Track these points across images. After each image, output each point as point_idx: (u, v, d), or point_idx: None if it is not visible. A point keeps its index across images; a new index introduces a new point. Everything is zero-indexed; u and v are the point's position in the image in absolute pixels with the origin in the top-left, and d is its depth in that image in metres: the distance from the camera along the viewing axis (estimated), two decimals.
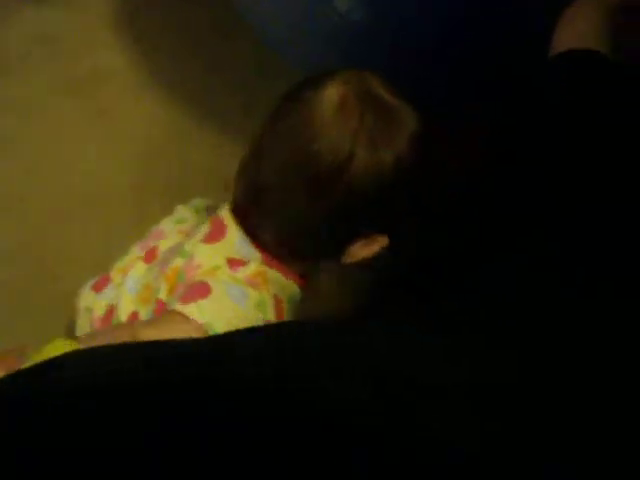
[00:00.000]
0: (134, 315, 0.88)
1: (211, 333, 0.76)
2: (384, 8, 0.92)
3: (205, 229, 0.87)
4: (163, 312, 0.83)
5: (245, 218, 0.84)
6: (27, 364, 0.68)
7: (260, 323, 0.79)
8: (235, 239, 0.84)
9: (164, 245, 0.91)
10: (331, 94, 0.78)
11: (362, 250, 0.83)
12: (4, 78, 1.36)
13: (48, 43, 1.40)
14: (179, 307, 0.79)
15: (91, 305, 0.93)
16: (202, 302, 0.79)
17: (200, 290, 0.80)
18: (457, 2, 0.89)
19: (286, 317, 0.85)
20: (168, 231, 0.94)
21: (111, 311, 0.90)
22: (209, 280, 0.81)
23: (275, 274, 0.84)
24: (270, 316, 0.82)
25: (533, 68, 0.82)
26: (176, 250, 0.87)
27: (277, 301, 0.83)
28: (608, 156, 0.71)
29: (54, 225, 1.20)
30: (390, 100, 0.79)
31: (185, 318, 0.77)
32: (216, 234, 0.86)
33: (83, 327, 0.94)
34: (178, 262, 0.85)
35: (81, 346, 0.72)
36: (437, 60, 0.97)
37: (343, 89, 0.78)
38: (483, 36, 0.92)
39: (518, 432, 0.49)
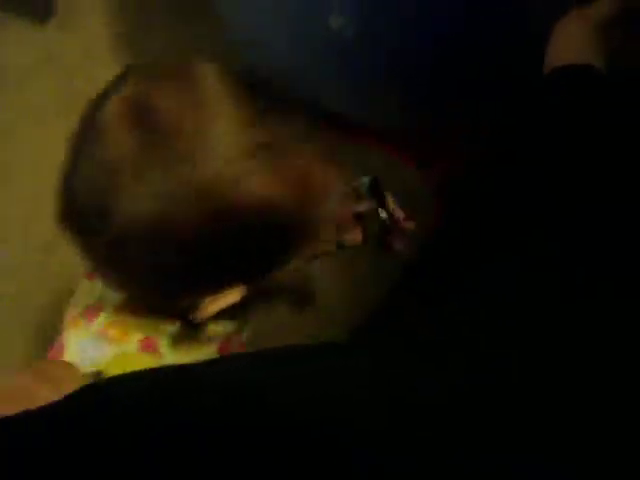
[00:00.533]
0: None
1: None
2: (376, 24, 0.92)
3: None
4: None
5: None
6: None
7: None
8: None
9: None
10: (108, 111, 0.59)
11: (211, 305, 0.66)
12: (12, 92, 1.40)
13: (52, 61, 1.44)
14: None
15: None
16: None
17: (57, 352, 0.71)
18: (446, 17, 0.89)
19: (173, 356, 0.73)
20: None
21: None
22: (67, 340, 0.71)
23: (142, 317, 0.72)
24: (136, 365, 0.70)
25: (531, 81, 0.81)
26: None
27: (148, 345, 0.72)
28: (608, 156, 0.71)
29: (60, 240, 1.22)
30: (176, 123, 0.56)
31: None
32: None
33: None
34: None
35: None
36: (427, 71, 0.97)
37: (119, 104, 0.58)
38: (475, 50, 0.92)
39: (518, 432, 0.49)
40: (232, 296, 0.66)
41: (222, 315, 0.69)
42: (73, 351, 0.70)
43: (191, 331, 0.73)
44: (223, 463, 0.42)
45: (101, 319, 0.71)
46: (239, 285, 0.66)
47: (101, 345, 0.70)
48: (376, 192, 0.88)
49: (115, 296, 0.72)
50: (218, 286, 0.65)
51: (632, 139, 0.70)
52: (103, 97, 0.60)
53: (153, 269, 0.62)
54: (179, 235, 0.58)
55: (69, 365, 0.65)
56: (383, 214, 0.87)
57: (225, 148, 0.57)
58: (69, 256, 0.68)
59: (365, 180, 0.89)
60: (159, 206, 0.57)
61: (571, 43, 0.80)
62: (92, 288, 0.74)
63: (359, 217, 0.88)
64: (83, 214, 0.60)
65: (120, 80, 0.61)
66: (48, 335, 0.96)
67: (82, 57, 1.44)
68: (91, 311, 0.72)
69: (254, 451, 0.43)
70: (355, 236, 0.85)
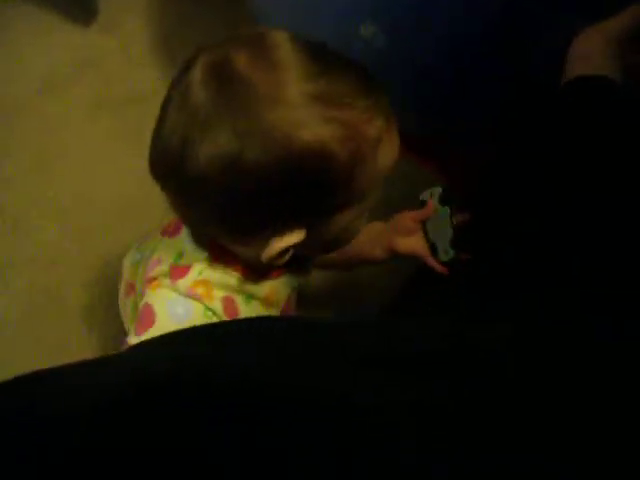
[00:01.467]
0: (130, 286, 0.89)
1: None
2: (407, 34, 0.93)
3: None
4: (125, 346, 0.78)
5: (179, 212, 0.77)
6: None
7: None
8: (186, 236, 0.79)
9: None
10: (191, 72, 0.68)
11: (277, 243, 0.72)
12: (52, 96, 1.43)
13: (92, 64, 1.46)
14: (133, 340, 0.76)
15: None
16: (151, 331, 0.75)
17: (147, 318, 0.76)
18: (476, 31, 0.90)
19: (248, 312, 0.80)
20: None
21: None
22: (154, 302, 0.77)
23: (222, 275, 0.78)
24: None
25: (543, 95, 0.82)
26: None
27: (228, 302, 0.78)
28: (605, 147, 0.71)
29: (96, 232, 1.28)
30: (247, 73, 0.65)
31: None
32: (175, 227, 0.82)
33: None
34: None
35: None
36: (458, 83, 0.99)
37: (202, 64, 0.68)
38: (500, 64, 0.93)
39: (518, 432, 0.48)
40: (294, 237, 0.72)
41: (290, 267, 0.80)
42: (162, 310, 0.76)
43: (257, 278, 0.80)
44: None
45: (189, 278, 0.76)
46: (300, 227, 0.72)
47: (189, 303, 0.75)
48: (448, 201, 0.92)
49: (195, 252, 0.78)
50: (281, 224, 0.71)
51: (633, 143, 0.71)
52: (188, 62, 0.69)
53: (228, 203, 0.69)
54: (250, 170, 0.65)
55: None
56: (454, 220, 0.90)
57: (291, 96, 0.65)
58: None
59: (437, 189, 0.92)
60: (235, 143, 0.65)
61: (587, 57, 0.80)
62: (171, 245, 0.80)
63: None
64: (170, 155, 0.68)
65: (200, 49, 0.70)
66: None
67: (121, 59, 1.47)
68: (176, 271, 0.77)
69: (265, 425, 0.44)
70: (415, 244, 0.94)
